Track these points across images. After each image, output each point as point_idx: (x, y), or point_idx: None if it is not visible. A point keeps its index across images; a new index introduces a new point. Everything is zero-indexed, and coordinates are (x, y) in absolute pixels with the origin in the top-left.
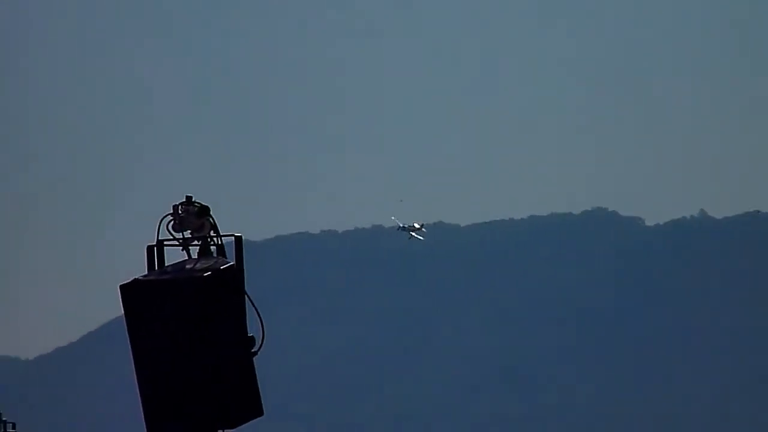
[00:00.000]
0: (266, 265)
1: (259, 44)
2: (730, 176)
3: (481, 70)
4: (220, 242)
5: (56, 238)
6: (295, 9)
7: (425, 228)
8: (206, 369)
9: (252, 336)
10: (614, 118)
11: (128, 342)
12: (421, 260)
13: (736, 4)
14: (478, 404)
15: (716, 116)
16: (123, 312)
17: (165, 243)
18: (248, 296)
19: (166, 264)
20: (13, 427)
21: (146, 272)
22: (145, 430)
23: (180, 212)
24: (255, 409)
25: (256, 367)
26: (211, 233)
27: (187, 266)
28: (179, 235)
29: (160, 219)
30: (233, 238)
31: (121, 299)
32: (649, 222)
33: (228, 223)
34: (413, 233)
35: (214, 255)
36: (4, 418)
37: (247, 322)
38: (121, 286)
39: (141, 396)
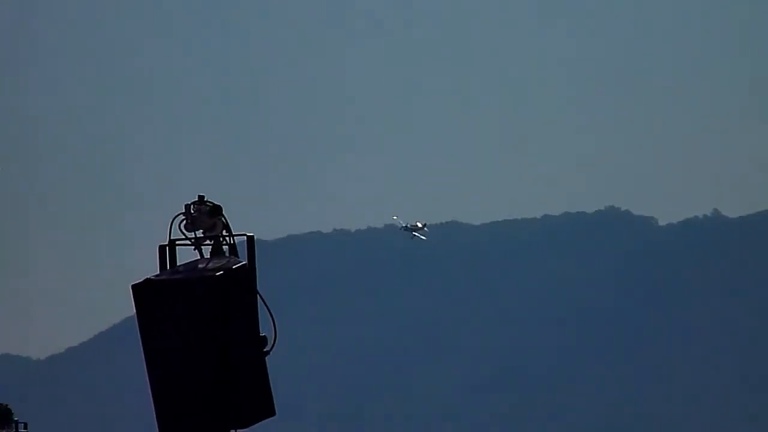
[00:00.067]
0: (278, 265)
1: (272, 46)
2: (744, 176)
3: (496, 70)
4: (232, 242)
5: (68, 238)
6: (305, 10)
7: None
8: (218, 369)
9: (264, 335)
10: (627, 118)
11: (140, 342)
12: (434, 259)
13: (748, 3)
14: (492, 404)
15: (730, 116)
16: (135, 312)
17: (177, 242)
18: (260, 296)
19: (178, 263)
20: (25, 427)
21: (158, 272)
22: (157, 429)
23: (192, 212)
24: (267, 409)
25: (268, 366)
26: (224, 233)
27: (200, 266)
28: (191, 235)
29: (172, 218)
30: (245, 237)
31: (133, 299)
32: (662, 221)
33: (240, 223)
34: (415, 233)
35: (227, 254)
36: (16, 418)
37: (259, 321)
38: (133, 286)
39: (153, 396)
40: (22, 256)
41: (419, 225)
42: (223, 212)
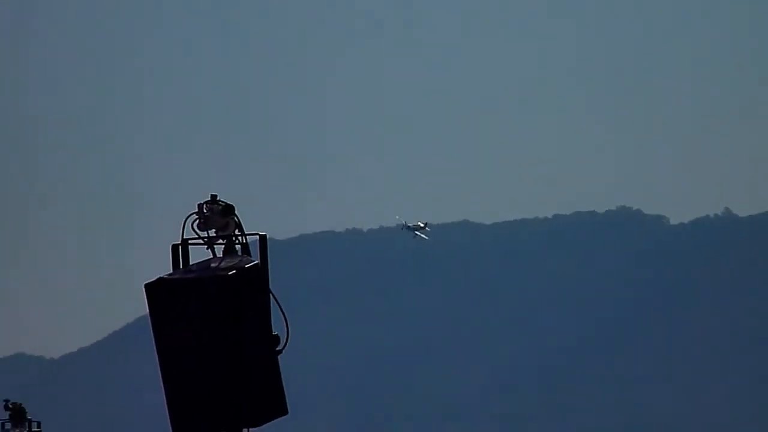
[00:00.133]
0: (291, 264)
1: (283, 44)
2: (755, 175)
3: (506, 68)
4: (244, 241)
5: (81, 238)
6: (313, 10)
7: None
8: (231, 368)
9: (276, 334)
10: (638, 117)
11: (153, 341)
12: (447, 259)
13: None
14: (505, 404)
15: (741, 114)
16: (148, 311)
17: (190, 242)
18: (273, 295)
19: (191, 263)
20: (38, 426)
21: (171, 271)
22: (170, 429)
23: (205, 211)
24: (279, 408)
25: (280, 365)
26: (236, 232)
27: (212, 265)
28: (204, 234)
29: (185, 218)
30: (258, 236)
31: (146, 298)
32: (674, 221)
33: (252, 222)
34: (417, 232)
35: (239, 254)
36: (29, 417)
37: (272, 320)
38: (146, 285)
39: (166, 395)
40: (35, 256)
41: (421, 225)
42: (236, 211)
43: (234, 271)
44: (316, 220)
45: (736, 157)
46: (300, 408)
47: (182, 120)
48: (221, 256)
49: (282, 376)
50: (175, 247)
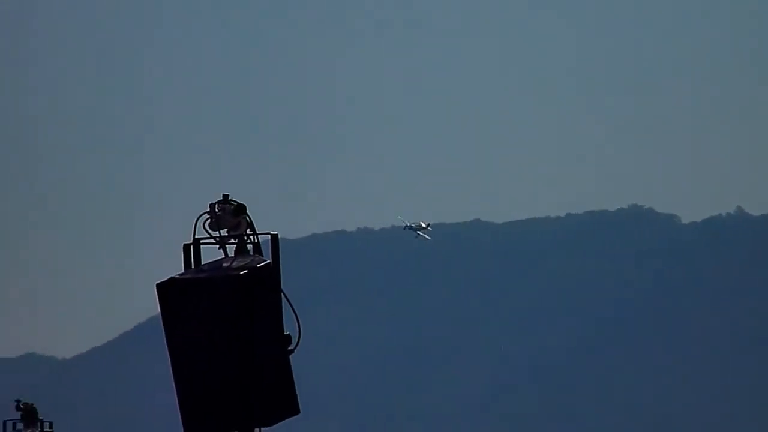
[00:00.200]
0: (302, 264)
1: (296, 44)
2: (767, 173)
3: (517, 67)
4: (256, 240)
5: (93, 238)
6: (323, 10)
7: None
8: (243, 367)
9: (288, 334)
10: (651, 116)
11: (165, 341)
12: (458, 258)
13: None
14: (514, 404)
15: (754, 113)
16: (160, 311)
17: (202, 241)
18: (284, 294)
19: (202, 262)
20: (50, 427)
21: (183, 271)
22: (182, 428)
23: (217, 211)
24: (291, 408)
25: (292, 365)
26: (248, 231)
27: (224, 264)
28: (216, 234)
29: (196, 217)
30: (269, 236)
31: (157, 298)
32: (686, 219)
33: (264, 222)
34: (420, 232)
35: (251, 253)
36: (40, 417)
37: (284, 320)
38: (158, 285)
39: (177, 395)
40: (46, 255)
41: (423, 225)
42: (247, 211)
43: (246, 271)
44: (328, 220)
45: (748, 156)
46: (311, 407)
47: (194, 120)
48: (233, 255)
49: (294, 376)
50: (186, 247)
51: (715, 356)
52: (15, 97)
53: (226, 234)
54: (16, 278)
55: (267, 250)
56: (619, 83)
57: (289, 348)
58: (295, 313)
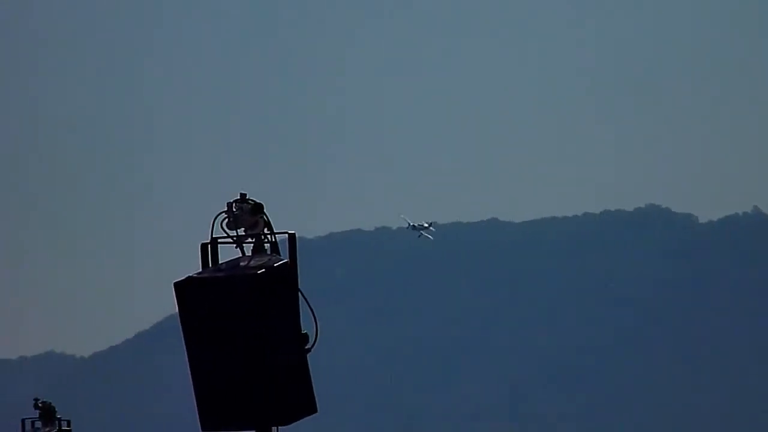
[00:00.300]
0: (320, 263)
1: (311, 42)
2: None
3: (532, 66)
4: (273, 239)
5: (111, 237)
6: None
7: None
8: (260, 366)
9: (306, 333)
10: (668, 115)
11: (182, 339)
12: (476, 257)
13: None
14: (532, 404)
15: None
16: (177, 309)
17: (219, 240)
18: (302, 293)
19: (220, 261)
20: (68, 425)
21: (200, 270)
22: (200, 427)
23: (234, 210)
24: (309, 407)
25: (310, 363)
26: (265, 231)
27: (241, 263)
28: (233, 233)
29: (214, 217)
30: (287, 235)
31: (175, 297)
32: (702, 219)
33: (282, 221)
34: (423, 232)
35: (268, 252)
36: (58, 416)
37: (301, 319)
38: (176, 284)
39: (195, 393)
40: (65, 255)
41: (426, 224)
42: (265, 210)
43: (263, 270)
44: (345, 219)
45: (765, 155)
46: (329, 406)
47: (212, 120)
48: (250, 254)
49: (311, 375)
50: (204, 246)
51: (736, 355)
52: (46, 100)
53: (244, 233)
54: (34, 277)
55: (284, 250)
56: (637, 82)
57: (306, 347)
58: (313, 312)
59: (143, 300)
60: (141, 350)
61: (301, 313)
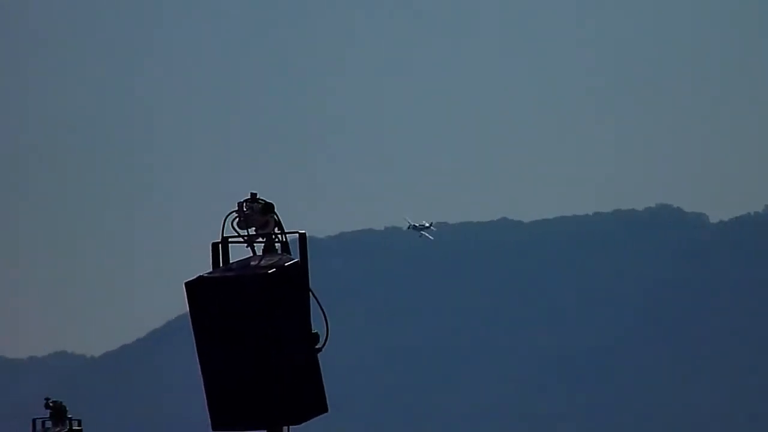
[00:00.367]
0: (330, 262)
1: (320, 43)
2: None
3: (540, 67)
4: (284, 239)
5: (122, 237)
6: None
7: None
8: (271, 365)
9: (316, 332)
10: (678, 115)
11: (193, 339)
12: (485, 257)
13: None
14: (542, 404)
15: None
16: (188, 309)
17: (230, 240)
18: (312, 293)
19: (231, 261)
20: (79, 424)
21: (211, 269)
22: (210, 426)
23: (245, 209)
24: (319, 406)
25: (320, 363)
26: (276, 230)
27: (252, 263)
28: (244, 233)
29: (225, 216)
30: (297, 235)
31: (186, 296)
32: (714, 218)
33: (292, 220)
34: (423, 232)
35: (279, 252)
36: (69, 415)
37: (312, 318)
38: (186, 283)
39: (206, 392)
40: (76, 254)
41: (426, 224)
42: (275, 210)
43: (274, 270)
44: (356, 219)
45: None
46: (340, 406)
47: (223, 119)
48: (261, 254)
49: (322, 374)
50: (215, 246)
51: (747, 354)
52: (47, 100)
53: (254, 233)
54: (46, 277)
55: (295, 249)
56: (649, 82)
57: (317, 346)
58: (323, 312)
59: (155, 299)
60: (152, 349)
61: (311, 313)
